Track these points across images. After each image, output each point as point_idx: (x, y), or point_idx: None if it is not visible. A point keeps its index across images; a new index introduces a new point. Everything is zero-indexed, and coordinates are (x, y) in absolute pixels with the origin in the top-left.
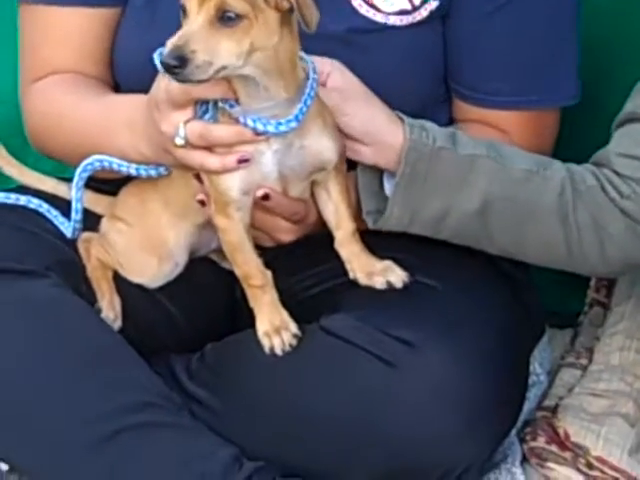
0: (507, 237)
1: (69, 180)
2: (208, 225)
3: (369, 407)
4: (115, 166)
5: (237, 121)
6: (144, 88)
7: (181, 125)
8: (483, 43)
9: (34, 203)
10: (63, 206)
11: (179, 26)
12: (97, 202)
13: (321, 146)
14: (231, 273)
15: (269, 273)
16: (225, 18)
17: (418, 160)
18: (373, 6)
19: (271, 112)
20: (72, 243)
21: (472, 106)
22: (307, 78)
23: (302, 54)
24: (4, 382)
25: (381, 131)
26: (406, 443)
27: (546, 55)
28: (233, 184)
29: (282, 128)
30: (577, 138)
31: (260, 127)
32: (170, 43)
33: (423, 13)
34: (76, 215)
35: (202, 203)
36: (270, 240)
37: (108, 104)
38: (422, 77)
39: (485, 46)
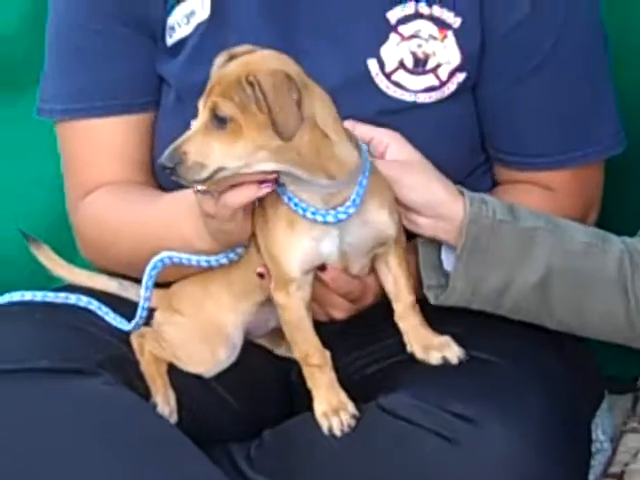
0: (567, 309)
1: (118, 276)
2: (266, 303)
3: None
4: (185, 260)
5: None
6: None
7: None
8: (519, 107)
9: (84, 301)
10: (112, 301)
11: None
12: (160, 299)
13: (381, 222)
14: (285, 359)
15: (328, 353)
16: (217, 120)
17: (479, 233)
18: (400, 86)
19: (326, 196)
20: (124, 338)
21: (515, 171)
22: (361, 157)
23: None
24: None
25: (441, 203)
26: None
27: (584, 109)
28: (294, 263)
29: (341, 216)
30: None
31: (319, 218)
32: (169, 146)
33: (451, 87)
34: (142, 313)
35: (261, 276)
36: (323, 315)
37: (165, 200)
38: (457, 150)
39: (521, 110)
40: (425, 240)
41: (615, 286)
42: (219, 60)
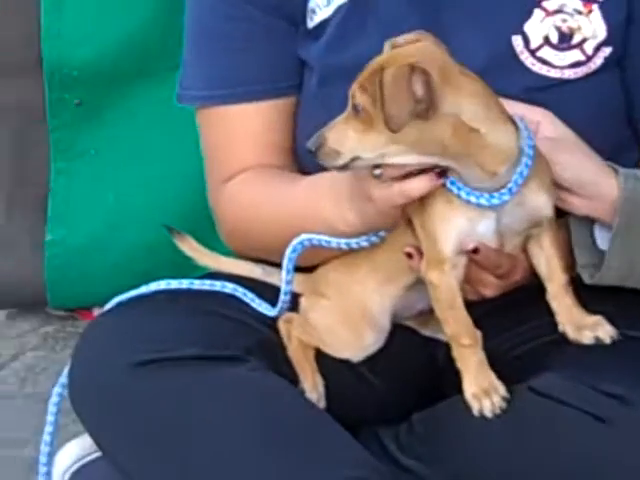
0: None
1: (262, 262)
2: (413, 287)
3: (588, 466)
4: (325, 242)
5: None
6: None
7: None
8: None
9: (229, 287)
10: (257, 288)
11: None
12: (296, 281)
13: (539, 203)
14: (432, 340)
15: (479, 333)
16: (355, 109)
17: (635, 211)
18: (546, 62)
19: (487, 187)
20: (271, 324)
21: None
22: (522, 141)
23: (518, 121)
24: (215, 467)
25: (594, 182)
26: None
27: None
28: (450, 242)
29: (494, 201)
30: None
31: (473, 200)
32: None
33: (597, 62)
34: (285, 297)
35: (409, 256)
36: (473, 293)
37: (307, 182)
38: (605, 125)
39: None
40: (577, 218)
41: None
42: (385, 49)
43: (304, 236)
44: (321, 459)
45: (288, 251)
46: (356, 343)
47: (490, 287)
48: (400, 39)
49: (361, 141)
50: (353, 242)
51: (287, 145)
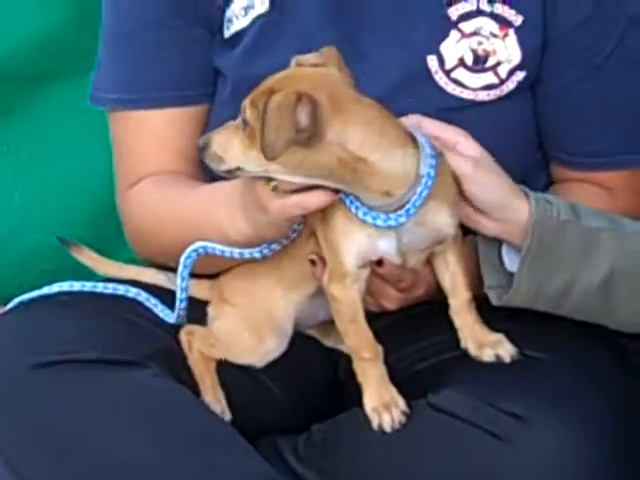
0: (629, 309)
1: (167, 269)
2: (317, 295)
3: None
4: (218, 251)
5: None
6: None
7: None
8: (578, 107)
9: (132, 292)
10: (161, 293)
11: None
12: (197, 288)
13: (440, 222)
14: (334, 351)
15: (380, 348)
16: (244, 122)
17: (544, 234)
18: (460, 83)
19: (385, 205)
20: (172, 330)
21: (573, 170)
22: (423, 162)
23: (423, 141)
24: (106, 469)
25: (508, 205)
26: None
27: None
28: (350, 257)
29: (391, 223)
30: None
31: (369, 220)
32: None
33: (510, 85)
34: (180, 304)
35: (313, 263)
36: (374, 305)
37: (205, 190)
38: (515, 147)
39: (581, 109)
40: (485, 239)
41: None
42: (291, 64)
43: (199, 244)
44: (219, 469)
45: (182, 258)
46: (259, 348)
47: (392, 300)
48: (304, 58)
49: (244, 154)
50: (246, 252)
51: (196, 153)
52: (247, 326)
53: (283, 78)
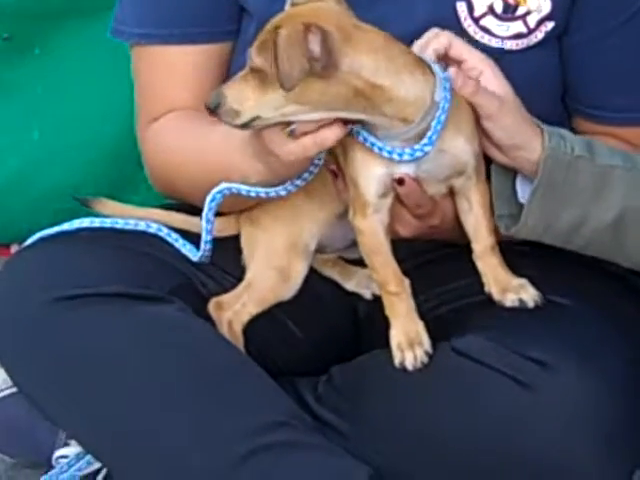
0: None
1: (194, 213)
2: (345, 216)
3: (503, 429)
4: (243, 191)
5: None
6: None
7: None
8: (604, 60)
9: (153, 227)
10: (183, 232)
11: None
12: (227, 224)
13: (457, 148)
14: (354, 295)
15: (407, 280)
16: (253, 70)
17: (556, 169)
18: (488, 32)
19: (403, 137)
20: (192, 266)
21: (596, 124)
22: (439, 88)
23: (434, 66)
24: (132, 405)
25: (524, 146)
26: (542, 468)
27: None
28: (370, 187)
29: (418, 154)
30: None
31: (396, 157)
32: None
33: (539, 35)
34: (206, 246)
35: (334, 174)
36: (389, 230)
37: (223, 131)
38: (540, 98)
39: (607, 62)
40: (499, 168)
41: None
42: (285, 7)
43: (223, 185)
44: (243, 403)
45: (207, 200)
46: (288, 281)
47: (407, 226)
48: None
49: (260, 101)
50: (272, 191)
51: None
52: (273, 259)
53: (286, 16)
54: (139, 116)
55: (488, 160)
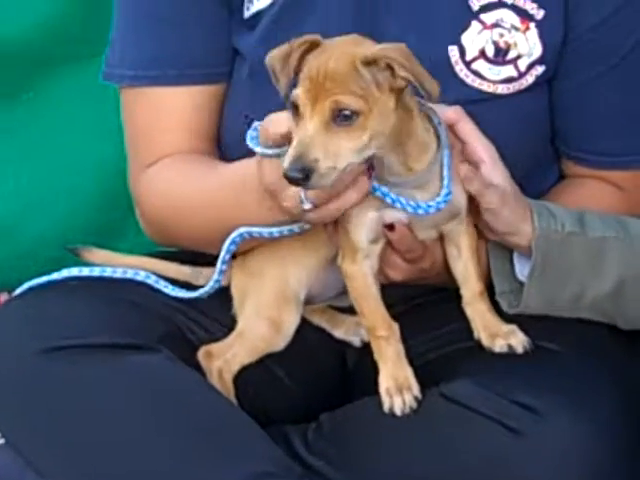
0: None
1: (182, 261)
2: (333, 262)
3: (490, 475)
4: (265, 234)
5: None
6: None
7: (301, 192)
8: (593, 104)
9: (141, 275)
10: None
11: (281, 104)
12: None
13: (456, 194)
14: (343, 343)
15: (396, 325)
16: (341, 117)
17: (549, 249)
18: (480, 75)
19: (410, 186)
20: (181, 314)
21: (585, 167)
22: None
23: (431, 114)
24: (121, 455)
25: (515, 231)
26: None
27: None
28: (361, 233)
29: (432, 210)
30: None
31: (410, 210)
32: (290, 154)
33: (529, 79)
34: (214, 283)
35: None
36: (380, 275)
37: (227, 173)
38: (530, 141)
39: (595, 107)
40: (496, 246)
41: None
42: (296, 52)
43: (243, 229)
44: (231, 453)
45: (226, 243)
46: (280, 330)
47: (397, 270)
48: (308, 38)
49: (356, 146)
50: (285, 230)
51: (212, 133)
52: (264, 309)
53: (344, 53)
54: (133, 161)
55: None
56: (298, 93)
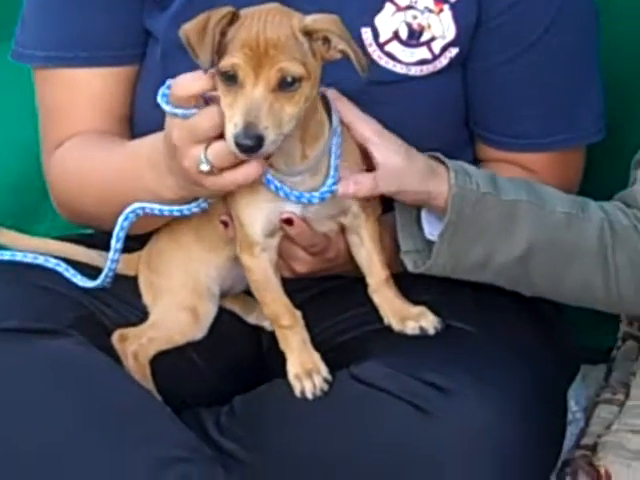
0: (546, 280)
1: (95, 246)
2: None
3: (402, 455)
4: (157, 211)
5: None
6: None
7: (202, 152)
8: (505, 86)
9: (52, 262)
10: (82, 267)
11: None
12: (127, 263)
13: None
14: (257, 327)
15: (299, 313)
16: (285, 84)
17: (463, 207)
18: (393, 57)
19: (300, 174)
20: (93, 298)
21: (497, 149)
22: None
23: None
24: (27, 438)
25: (425, 191)
26: None
27: (570, 94)
28: (256, 228)
29: (325, 196)
30: (598, 176)
31: (293, 198)
32: (240, 122)
33: (443, 61)
34: (111, 265)
35: (225, 225)
36: (285, 269)
37: (129, 150)
38: (444, 123)
39: (507, 89)
40: (403, 205)
41: (595, 256)
42: (217, 24)
43: (137, 205)
44: (143, 438)
45: (120, 219)
46: (197, 321)
47: (302, 263)
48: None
49: (296, 112)
50: (185, 209)
51: (124, 113)
52: (180, 303)
53: (282, 23)
54: (44, 141)
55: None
56: (237, 62)
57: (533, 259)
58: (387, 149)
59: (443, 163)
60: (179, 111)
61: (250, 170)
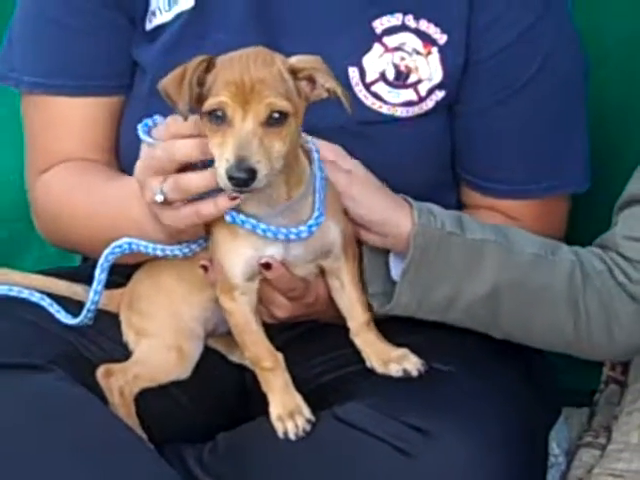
0: (515, 322)
1: (80, 280)
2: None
3: None
4: (142, 248)
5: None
6: None
7: (158, 184)
8: (492, 131)
9: (36, 297)
10: (65, 302)
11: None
12: (109, 299)
13: (325, 229)
14: (240, 365)
15: (280, 355)
16: (272, 119)
17: (427, 246)
18: (379, 98)
19: (281, 214)
20: (76, 334)
21: (481, 195)
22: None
23: (309, 141)
24: (5, 473)
25: (388, 220)
26: None
27: (556, 142)
28: (236, 271)
29: (304, 235)
30: (583, 219)
31: (270, 235)
32: (232, 156)
33: (429, 104)
34: (94, 298)
35: (205, 269)
36: (265, 314)
37: (118, 185)
38: (428, 165)
39: (494, 134)
40: (371, 248)
41: (565, 300)
42: (195, 71)
43: (124, 240)
44: (125, 474)
45: (106, 252)
46: (183, 360)
47: (282, 308)
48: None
49: (285, 147)
50: (168, 250)
51: (109, 144)
52: (165, 342)
53: (268, 62)
54: (29, 166)
55: (361, 243)
56: (223, 100)
57: (500, 300)
58: (345, 163)
59: (408, 203)
60: (151, 140)
61: (210, 208)
